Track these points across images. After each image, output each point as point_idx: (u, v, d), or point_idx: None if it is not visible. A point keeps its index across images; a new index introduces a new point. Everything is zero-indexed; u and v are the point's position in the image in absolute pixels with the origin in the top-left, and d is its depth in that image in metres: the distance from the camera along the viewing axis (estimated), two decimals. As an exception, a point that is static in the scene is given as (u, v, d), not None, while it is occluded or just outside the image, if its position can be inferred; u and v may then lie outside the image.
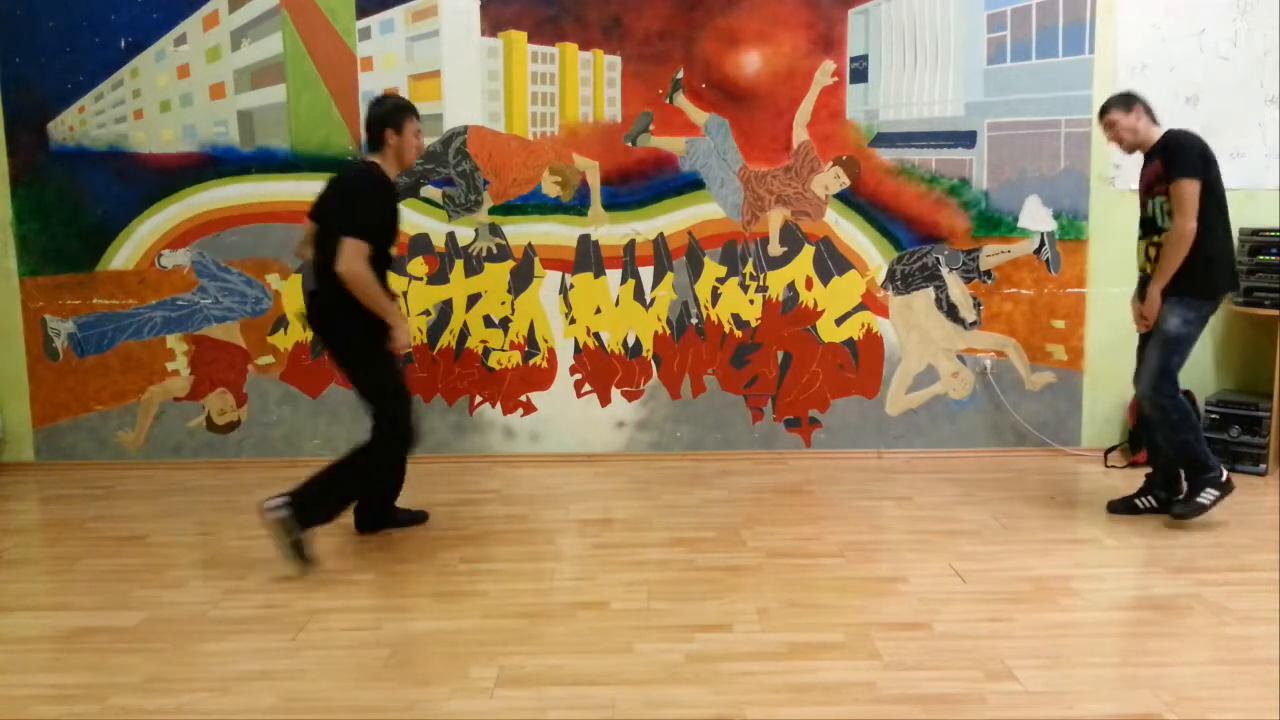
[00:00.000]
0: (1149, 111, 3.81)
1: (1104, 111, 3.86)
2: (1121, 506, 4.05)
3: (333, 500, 3.59)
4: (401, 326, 3.61)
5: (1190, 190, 3.61)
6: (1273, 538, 3.76)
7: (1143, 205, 3.87)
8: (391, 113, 3.62)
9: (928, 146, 4.88)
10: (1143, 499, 4.04)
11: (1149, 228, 3.83)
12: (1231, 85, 4.81)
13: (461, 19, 4.80)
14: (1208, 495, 3.76)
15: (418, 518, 4.05)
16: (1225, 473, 3.81)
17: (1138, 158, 3.95)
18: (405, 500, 4.05)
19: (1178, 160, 3.64)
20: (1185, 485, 3.90)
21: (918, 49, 4.85)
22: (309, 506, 3.46)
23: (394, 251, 3.70)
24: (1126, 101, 3.80)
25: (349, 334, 3.61)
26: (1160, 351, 3.74)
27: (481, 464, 4.95)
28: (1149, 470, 4.07)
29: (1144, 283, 3.87)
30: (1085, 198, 4.88)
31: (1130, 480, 4.51)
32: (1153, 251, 3.79)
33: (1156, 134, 3.79)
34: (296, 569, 3.44)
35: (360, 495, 3.80)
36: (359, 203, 3.55)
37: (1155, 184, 3.76)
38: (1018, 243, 4.93)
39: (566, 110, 4.87)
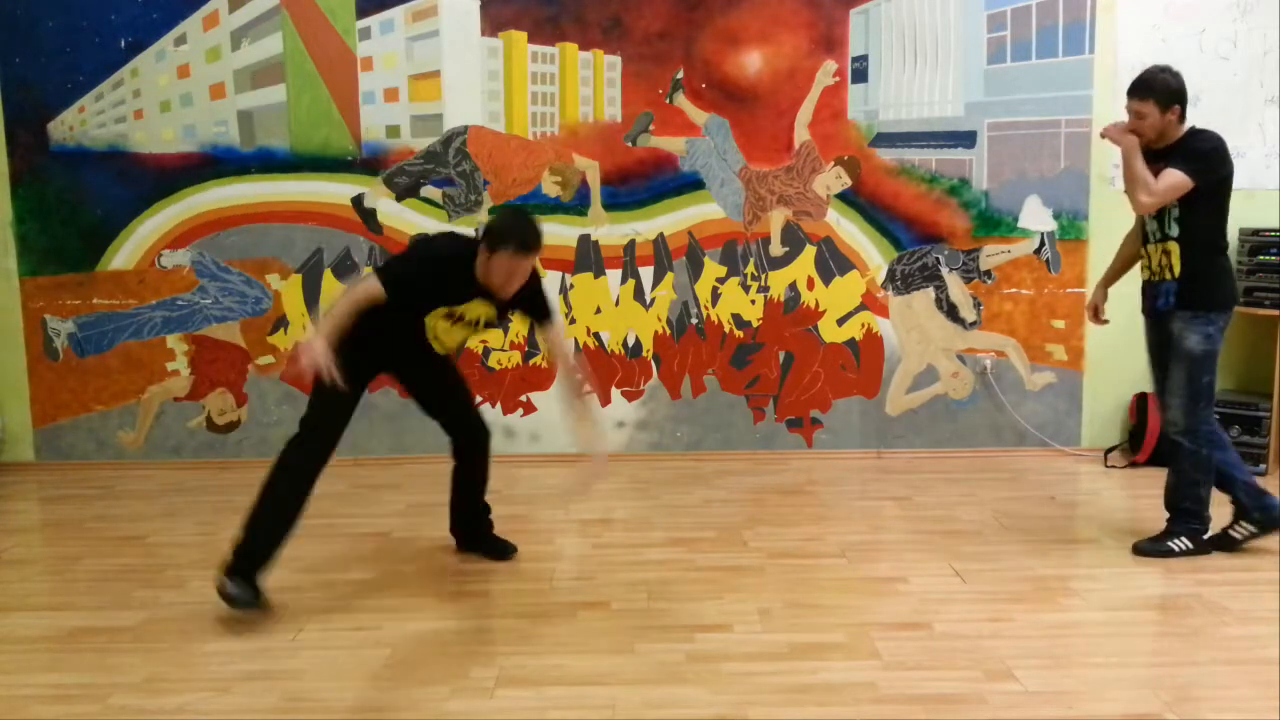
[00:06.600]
0: (1183, 113, 3.40)
1: (1139, 93, 3.39)
2: (1221, 541, 3.62)
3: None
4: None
5: (1177, 183, 3.31)
6: (1273, 538, 3.75)
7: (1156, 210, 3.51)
8: (494, 236, 3.34)
9: (928, 146, 4.88)
10: (1237, 528, 3.62)
11: (1160, 230, 3.52)
12: (1231, 85, 4.80)
13: (461, 19, 4.80)
14: (1180, 544, 3.55)
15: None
16: (1209, 532, 3.57)
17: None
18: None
19: (1187, 158, 3.33)
20: (1168, 518, 3.62)
21: (918, 49, 4.85)
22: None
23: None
24: (1168, 99, 3.36)
25: None
26: (1186, 374, 3.46)
27: (481, 464, 4.94)
28: (1232, 498, 3.61)
29: (1150, 285, 3.57)
30: (1085, 198, 4.88)
31: (1130, 481, 4.52)
32: (1164, 259, 3.49)
33: (1178, 134, 3.42)
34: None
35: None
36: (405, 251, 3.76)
37: None
38: (1018, 243, 4.93)
39: (566, 110, 4.87)
